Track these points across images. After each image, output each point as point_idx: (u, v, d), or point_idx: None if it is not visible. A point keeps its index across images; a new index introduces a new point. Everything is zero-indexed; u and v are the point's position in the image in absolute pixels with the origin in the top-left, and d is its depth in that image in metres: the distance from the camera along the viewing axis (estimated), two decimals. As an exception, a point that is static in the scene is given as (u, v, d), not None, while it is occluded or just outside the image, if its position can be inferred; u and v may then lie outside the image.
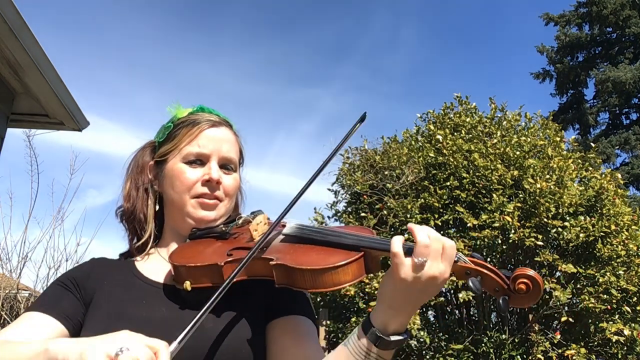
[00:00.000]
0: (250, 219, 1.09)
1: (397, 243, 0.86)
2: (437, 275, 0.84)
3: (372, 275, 5.31)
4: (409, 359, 6.03)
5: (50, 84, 3.90)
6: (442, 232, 4.95)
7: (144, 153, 1.21)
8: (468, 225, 5.73)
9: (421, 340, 5.88)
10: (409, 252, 0.85)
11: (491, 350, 5.73)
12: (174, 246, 1.13)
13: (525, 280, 0.83)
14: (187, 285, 0.97)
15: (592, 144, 8.58)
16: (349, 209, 6.94)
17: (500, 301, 0.84)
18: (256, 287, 1.00)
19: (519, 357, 5.71)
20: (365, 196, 6.54)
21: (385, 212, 6.18)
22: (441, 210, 6.07)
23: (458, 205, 5.93)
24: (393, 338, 0.85)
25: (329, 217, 7.08)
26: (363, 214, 6.33)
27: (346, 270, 0.88)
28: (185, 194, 1.10)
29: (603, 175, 6.57)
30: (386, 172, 6.55)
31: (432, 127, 7.06)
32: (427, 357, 5.91)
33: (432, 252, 0.84)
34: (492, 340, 5.84)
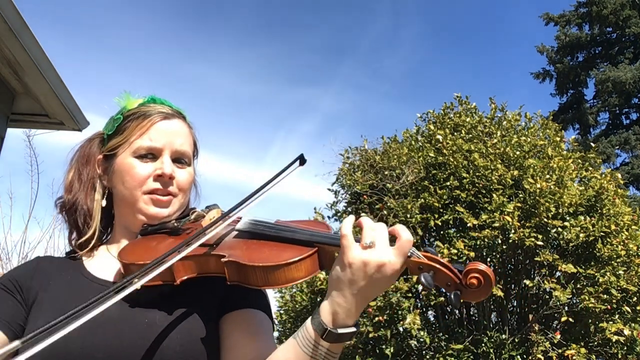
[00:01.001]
0: (204, 213, 1.06)
1: (347, 225, 0.84)
2: (386, 262, 0.81)
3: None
4: (409, 359, 6.03)
5: (50, 84, 3.90)
6: (442, 232, 4.92)
7: (91, 144, 1.15)
8: (468, 225, 5.73)
9: (421, 340, 5.88)
10: (358, 239, 0.84)
11: (491, 350, 5.73)
12: (124, 243, 1.08)
13: (476, 275, 0.82)
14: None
15: (592, 144, 8.57)
16: (349, 209, 6.94)
17: (452, 296, 0.83)
18: (209, 284, 0.98)
19: (519, 357, 5.71)
20: (365, 196, 6.54)
21: (385, 212, 6.18)
22: (441, 210, 6.07)
23: (458, 205, 5.93)
24: (341, 331, 0.82)
25: (329, 217, 7.09)
26: (363, 214, 6.33)
27: (299, 266, 0.86)
28: (137, 190, 1.05)
29: (603, 175, 6.58)
30: (386, 172, 6.55)
31: (432, 127, 7.06)
32: (427, 357, 5.91)
33: (381, 237, 0.83)
34: (492, 340, 5.83)
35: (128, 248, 1.01)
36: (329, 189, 7.27)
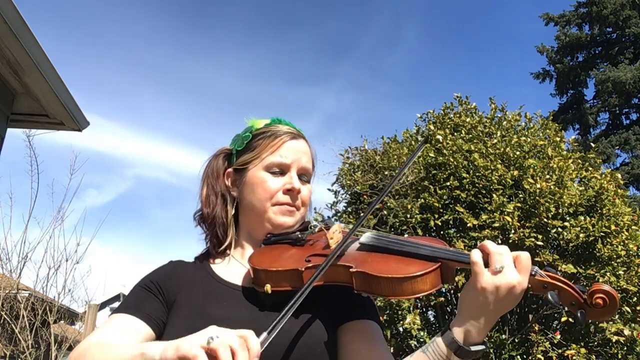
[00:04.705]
0: (324, 227, 1.17)
1: (476, 252, 0.92)
2: (515, 284, 0.88)
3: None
4: (409, 359, 6.02)
5: (50, 84, 3.90)
6: (442, 232, 4.91)
7: (217, 160, 1.27)
8: (468, 225, 5.73)
9: (421, 340, 5.87)
10: (486, 263, 0.90)
11: (491, 350, 5.73)
12: (249, 250, 1.19)
13: (602, 296, 0.87)
14: (268, 288, 1.03)
15: (592, 144, 8.57)
16: (349, 209, 6.93)
17: (578, 314, 0.89)
18: (330, 291, 1.05)
19: (519, 357, 5.71)
20: (365, 196, 6.53)
21: (385, 212, 6.18)
22: (441, 210, 6.06)
23: (458, 205, 5.92)
24: (473, 348, 0.89)
25: (329, 217, 7.03)
26: (363, 214, 6.32)
27: (424, 279, 0.93)
28: (267, 202, 1.16)
29: (603, 176, 6.57)
30: (386, 172, 6.55)
31: (432, 127, 7.05)
32: (427, 357, 5.90)
33: (508, 260, 0.90)
34: (492, 340, 5.83)
35: (257, 255, 1.11)
36: (329, 189, 7.27)
